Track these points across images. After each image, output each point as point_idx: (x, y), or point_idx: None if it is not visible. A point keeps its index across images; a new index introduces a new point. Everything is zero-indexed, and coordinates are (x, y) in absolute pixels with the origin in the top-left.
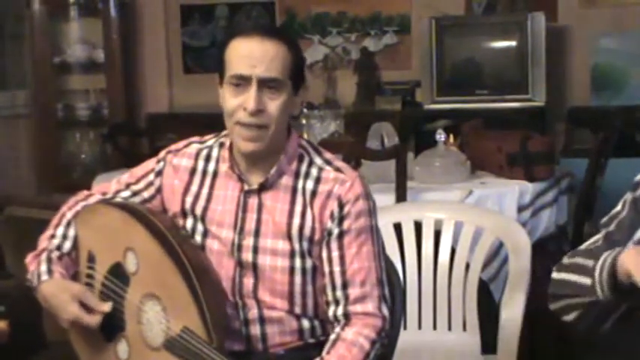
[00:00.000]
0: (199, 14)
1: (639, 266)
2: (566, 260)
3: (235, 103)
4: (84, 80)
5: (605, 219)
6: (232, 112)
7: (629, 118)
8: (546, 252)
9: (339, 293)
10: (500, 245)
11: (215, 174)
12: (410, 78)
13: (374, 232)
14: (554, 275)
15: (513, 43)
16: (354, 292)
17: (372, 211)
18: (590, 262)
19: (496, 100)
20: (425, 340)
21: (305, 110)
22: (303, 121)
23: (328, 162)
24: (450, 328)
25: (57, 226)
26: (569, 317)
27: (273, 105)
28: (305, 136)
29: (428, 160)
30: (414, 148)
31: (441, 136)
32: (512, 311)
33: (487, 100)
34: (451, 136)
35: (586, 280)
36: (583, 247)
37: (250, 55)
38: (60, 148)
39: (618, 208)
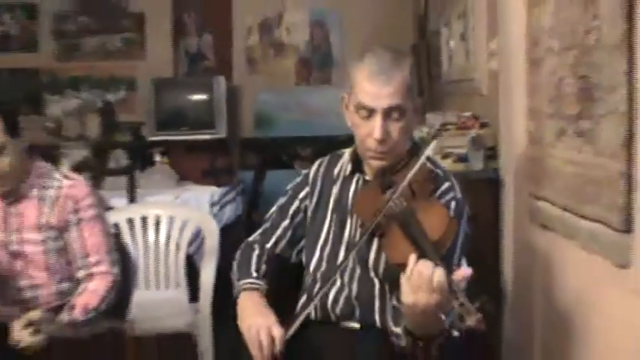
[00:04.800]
0: None
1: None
2: (243, 246)
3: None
4: None
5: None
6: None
7: (280, 145)
8: (230, 234)
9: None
10: (200, 230)
11: None
12: None
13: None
14: (237, 254)
15: (206, 97)
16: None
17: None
18: (244, 268)
19: (194, 134)
20: (150, 295)
21: None
22: None
23: None
24: (167, 287)
25: None
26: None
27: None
28: None
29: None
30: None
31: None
32: (207, 272)
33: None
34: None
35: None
36: (258, 232)
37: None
38: None
39: (274, 208)
